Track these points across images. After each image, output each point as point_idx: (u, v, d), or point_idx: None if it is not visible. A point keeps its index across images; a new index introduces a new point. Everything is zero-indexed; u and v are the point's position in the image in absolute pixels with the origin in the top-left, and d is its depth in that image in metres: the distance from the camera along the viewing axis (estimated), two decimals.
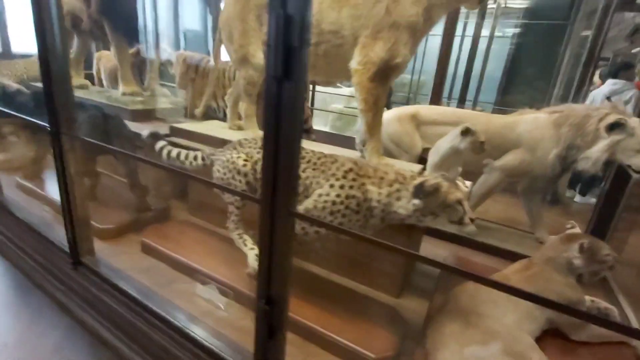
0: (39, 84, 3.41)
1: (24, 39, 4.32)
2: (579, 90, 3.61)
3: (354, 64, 1.60)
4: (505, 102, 6.52)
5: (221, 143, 2.07)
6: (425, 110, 2.33)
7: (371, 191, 1.20)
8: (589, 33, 4.97)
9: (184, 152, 1.75)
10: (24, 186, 2.36)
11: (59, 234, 1.90)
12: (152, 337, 1.42)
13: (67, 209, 1.60)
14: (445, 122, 2.24)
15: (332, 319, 1.38)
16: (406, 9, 1.46)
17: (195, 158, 1.70)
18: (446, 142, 1.61)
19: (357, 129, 2.00)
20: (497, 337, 1.10)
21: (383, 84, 1.60)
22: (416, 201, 1.11)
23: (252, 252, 1.43)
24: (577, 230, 1.43)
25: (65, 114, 1.48)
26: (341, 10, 1.58)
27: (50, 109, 1.44)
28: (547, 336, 1.33)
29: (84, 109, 2.07)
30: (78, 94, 2.89)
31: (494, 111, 6.19)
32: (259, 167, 1.43)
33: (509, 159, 2.04)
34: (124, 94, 2.65)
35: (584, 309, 1.36)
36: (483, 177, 2.14)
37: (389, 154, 2.22)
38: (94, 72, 3.97)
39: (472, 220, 1.11)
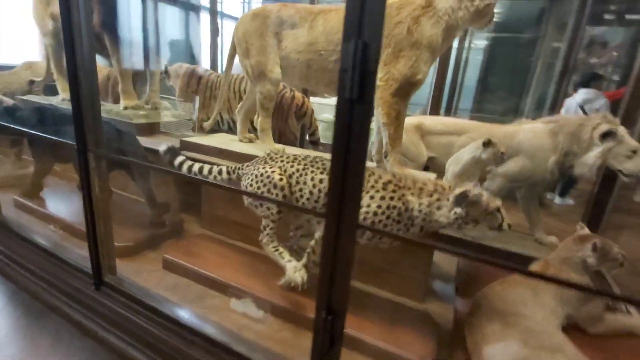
0: (26, 98, 3.28)
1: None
2: (556, 98, 3.89)
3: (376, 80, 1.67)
4: (480, 109, 6.89)
5: (234, 156, 2.09)
6: (429, 120, 2.45)
7: (412, 201, 1.27)
8: (559, 44, 5.38)
9: (206, 166, 1.75)
10: (25, 205, 2.26)
11: (72, 254, 1.85)
12: (190, 355, 1.41)
13: (92, 227, 1.57)
14: (449, 132, 2.37)
15: (369, 326, 1.43)
16: (427, 30, 1.56)
17: (220, 172, 1.72)
18: (467, 153, 1.71)
19: (372, 141, 2.08)
20: (535, 334, 1.19)
21: (404, 99, 1.68)
22: (458, 210, 1.19)
23: (290, 265, 1.46)
24: (587, 231, 1.56)
25: (93, 131, 1.46)
26: None
27: (79, 126, 1.42)
28: (566, 331, 1.44)
29: None
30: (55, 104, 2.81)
31: (472, 118, 6.53)
32: (293, 180, 1.47)
33: (511, 166, 2.17)
34: (126, 107, 2.60)
35: (600, 302, 1.48)
36: (487, 183, 2.26)
37: None
38: None
39: (509, 225, 1.21)
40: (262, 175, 1.49)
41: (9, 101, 2.41)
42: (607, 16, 4.46)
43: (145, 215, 2.12)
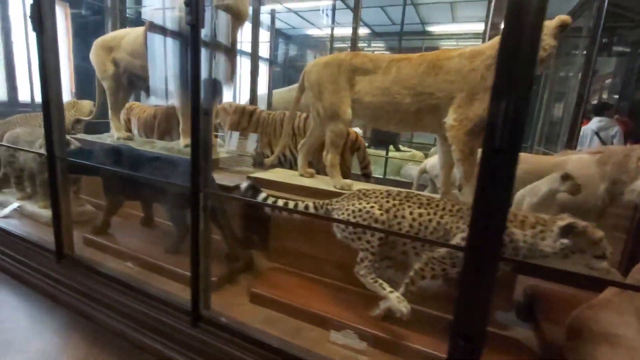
0: (79, 136, 3.36)
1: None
2: (573, 126, 4.13)
3: (449, 120, 1.84)
4: None
5: (306, 191, 2.20)
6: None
7: (516, 233, 1.39)
8: (565, 74, 5.70)
9: (291, 202, 1.85)
10: (95, 242, 2.32)
11: (155, 289, 1.89)
12: None
13: (196, 263, 1.64)
14: None
15: None
16: None
17: (306, 208, 1.82)
18: (545, 185, 1.86)
19: (436, 174, 2.21)
20: (638, 351, 1.29)
21: (477, 137, 1.83)
22: (565, 240, 1.31)
23: (393, 295, 1.54)
24: None
25: (204, 173, 1.57)
26: (437, 76, 1.83)
27: (195, 169, 1.53)
28: None
29: (173, 163, 2.13)
30: (130, 145, 2.92)
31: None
32: (391, 215, 1.58)
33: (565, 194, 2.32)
34: (187, 145, 2.73)
35: None
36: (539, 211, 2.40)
37: None
38: (122, 121, 3.98)
39: (611, 253, 1.32)
40: (360, 210, 1.60)
41: (75, 143, 2.52)
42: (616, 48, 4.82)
43: (216, 250, 2.19)
